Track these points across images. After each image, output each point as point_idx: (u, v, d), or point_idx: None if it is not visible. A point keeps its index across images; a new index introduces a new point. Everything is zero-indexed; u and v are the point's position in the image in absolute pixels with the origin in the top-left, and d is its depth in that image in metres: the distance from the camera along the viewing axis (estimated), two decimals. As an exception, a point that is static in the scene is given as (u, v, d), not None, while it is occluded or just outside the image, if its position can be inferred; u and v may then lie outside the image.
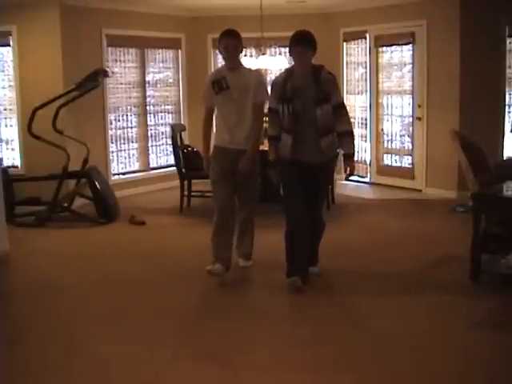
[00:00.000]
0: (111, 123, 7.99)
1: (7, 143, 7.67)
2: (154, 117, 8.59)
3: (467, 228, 4.61)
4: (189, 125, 8.42)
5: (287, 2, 7.88)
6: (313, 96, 4.23)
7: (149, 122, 8.51)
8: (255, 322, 3.94)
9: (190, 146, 7.23)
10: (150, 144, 8.54)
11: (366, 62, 8.36)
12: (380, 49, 8.15)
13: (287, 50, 4.36)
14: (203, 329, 3.85)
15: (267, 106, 4.52)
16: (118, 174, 8.16)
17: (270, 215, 5.72)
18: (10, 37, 7.28)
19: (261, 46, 7.68)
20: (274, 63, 7.76)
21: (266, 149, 4.59)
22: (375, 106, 8.33)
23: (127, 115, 8.23)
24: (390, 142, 8.33)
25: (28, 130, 6.48)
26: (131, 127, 8.31)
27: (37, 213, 6.59)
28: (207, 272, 4.52)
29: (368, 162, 8.51)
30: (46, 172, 6.66)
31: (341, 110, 4.32)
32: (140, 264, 5.18)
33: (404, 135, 8.15)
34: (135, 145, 8.40)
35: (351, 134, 4.39)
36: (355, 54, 8.56)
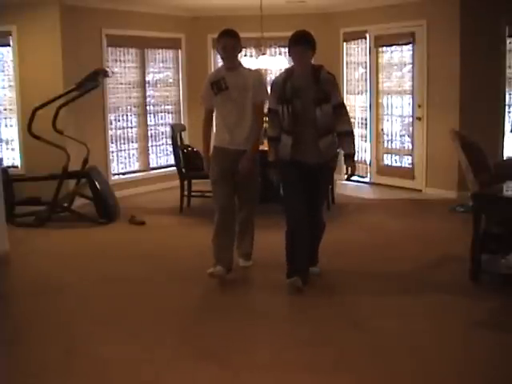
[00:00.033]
0: (111, 123, 7.99)
1: (7, 143, 7.67)
2: (154, 117, 8.60)
3: (467, 228, 4.61)
4: (189, 125, 8.42)
5: (287, 1, 7.88)
6: (313, 96, 4.23)
7: (149, 122, 8.51)
8: (255, 322, 3.94)
9: (190, 146, 7.23)
10: (150, 144, 8.55)
11: (366, 62, 8.36)
12: (380, 49, 8.15)
13: (287, 50, 4.36)
14: (203, 329, 3.85)
15: (267, 107, 4.52)
16: (118, 174, 8.16)
17: (270, 215, 5.72)
18: (10, 37, 7.28)
19: (261, 45, 7.69)
20: (273, 63, 7.77)
21: (266, 149, 4.58)
22: (375, 106, 8.33)
23: (127, 115, 8.23)
24: (389, 142, 8.33)
25: (28, 130, 6.48)
26: (131, 127, 8.31)
27: (37, 213, 6.59)
28: (209, 274, 4.52)
29: (368, 162, 8.51)
30: (46, 172, 6.66)
31: (341, 110, 4.32)
32: (140, 264, 5.18)
33: (404, 135, 8.15)
34: (135, 145, 8.40)
35: (351, 134, 4.39)
36: (355, 54, 8.56)
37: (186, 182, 7.04)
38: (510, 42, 7.28)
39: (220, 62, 4.73)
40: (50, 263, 5.26)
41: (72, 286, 4.66)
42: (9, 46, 7.34)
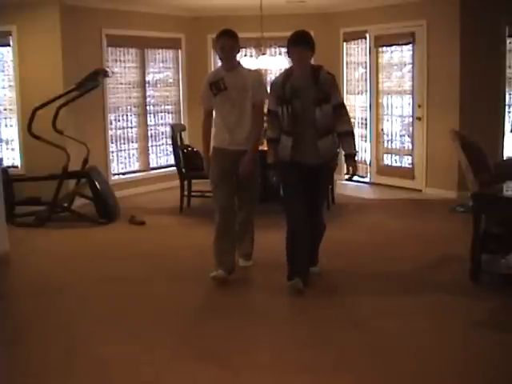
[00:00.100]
0: (111, 123, 7.99)
1: (7, 143, 7.67)
2: (154, 117, 8.60)
3: (467, 228, 4.61)
4: (189, 125, 8.42)
5: (287, 1, 7.89)
6: (312, 96, 4.22)
7: (149, 122, 8.51)
8: (255, 323, 3.94)
9: (190, 146, 7.23)
10: (150, 144, 8.55)
11: (366, 62, 8.36)
12: (380, 49, 8.15)
13: (286, 50, 4.35)
14: (203, 329, 3.85)
15: (267, 107, 4.51)
16: (118, 174, 8.16)
17: (270, 215, 5.72)
18: (10, 37, 7.29)
19: (261, 45, 7.69)
20: (273, 63, 7.77)
21: (266, 149, 4.57)
22: (375, 106, 8.33)
23: (127, 115, 8.23)
24: (390, 142, 8.33)
25: (28, 130, 6.48)
26: (131, 127, 8.31)
27: (37, 213, 6.59)
28: (211, 278, 4.52)
29: (368, 162, 8.52)
30: (46, 172, 6.66)
31: (341, 110, 4.31)
32: (140, 264, 5.18)
33: (404, 135, 8.15)
34: (135, 145, 8.40)
35: (352, 134, 4.38)
36: (355, 54, 8.56)
37: (185, 182, 7.04)
38: (510, 42, 7.28)
39: (220, 63, 4.72)
40: (50, 263, 5.26)
41: (72, 285, 4.66)
42: (9, 46, 7.34)
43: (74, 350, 3.54)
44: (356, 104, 8.62)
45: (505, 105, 7.43)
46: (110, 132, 7.98)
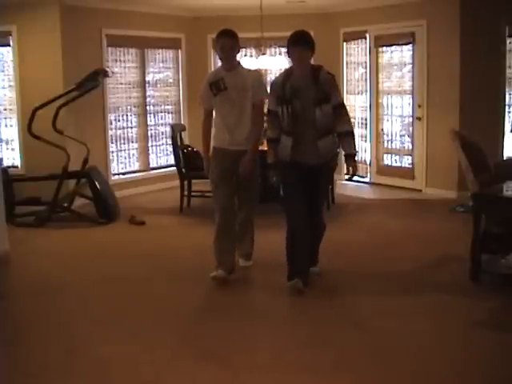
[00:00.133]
0: (111, 123, 7.99)
1: (7, 143, 7.67)
2: (154, 117, 8.60)
3: (467, 228, 4.61)
4: (189, 125, 8.42)
5: (287, 1, 7.89)
6: (312, 97, 4.22)
7: (149, 122, 8.51)
8: (255, 323, 3.94)
9: (190, 146, 7.23)
10: (150, 144, 8.55)
11: (366, 62, 8.36)
12: (380, 49, 8.15)
13: (286, 50, 4.35)
14: (203, 329, 3.85)
15: (267, 107, 4.51)
16: (118, 174, 8.16)
17: (270, 215, 5.72)
18: (10, 37, 7.29)
19: (261, 45, 7.69)
20: (273, 63, 7.77)
21: (266, 149, 4.57)
22: (375, 106, 8.33)
23: (127, 115, 8.23)
24: (390, 142, 8.33)
25: (28, 130, 6.48)
26: (131, 127, 8.31)
27: (37, 213, 6.59)
28: (211, 278, 4.52)
29: (368, 162, 8.52)
30: (46, 172, 6.66)
31: (341, 110, 4.31)
32: (140, 264, 5.18)
33: (404, 135, 8.15)
34: (135, 145, 8.40)
35: (352, 134, 4.38)
36: (355, 54, 8.56)
37: (186, 182, 7.04)
38: (510, 42, 7.28)
39: (220, 63, 4.72)
40: (50, 263, 5.26)
41: (72, 285, 4.66)
42: (9, 46, 7.34)
43: (74, 350, 3.54)
44: (356, 104, 8.62)
45: (505, 105, 7.43)
46: (110, 132, 7.98)
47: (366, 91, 8.42)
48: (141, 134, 8.42)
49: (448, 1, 7.21)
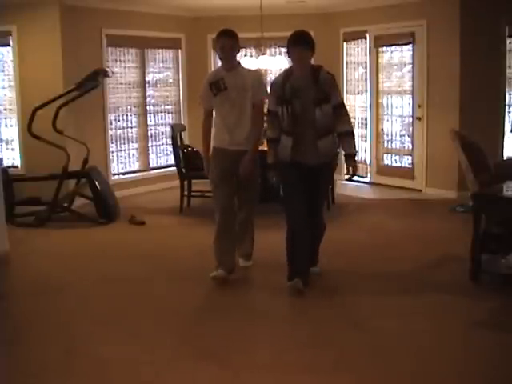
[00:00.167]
0: (111, 123, 7.99)
1: (7, 143, 7.67)
2: (154, 117, 8.60)
3: (467, 228, 4.61)
4: (189, 125, 8.42)
5: (287, 1, 7.89)
6: (312, 97, 4.22)
7: (149, 122, 8.51)
8: (255, 323, 3.94)
9: (190, 146, 7.23)
10: (150, 144, 8.55)
11: (366, 62, 8.36)
12: (380, 49, 8.15)
13: (286, 50, 4.35)
14: (203, 329, 3.85)
15: (267, 107, 4.51)
16: (118, 174, 8.16)
17: (270, 215, 5.72)
18: (10, 37, 7.29)
19: (261, 45, 7.69)
20: (273, 63, 7.77)
21: (266, 149, 4.57)
22: (375, 106, 8.33)
23: (127, 115, 8.23)
24: (390, 142, 8.33)
25: (28, 130, 6.48)
26: (131, 127, 8.31)
27: (37, 213, 6.59)
28: (212, 278, 4.52)
29: (368, 162, 8.52)
30: (46, 172, 6.66)
31: (341, 110, 4.30)
32: (140, 264, 5.18)
33: (404, 135, 8.16)
34: (135, 145, 8.40)
35: (352, 134, 4.37)
36: (355, 54, 8.56)
37: (186, 182, 7.04)
38: (510, 42, 7.28)
39: (220, 63, 4.72)
40: (50, 263, 5.26)
41: (72, 285, 4.66)
42: (9, 46, 7.34)
43: (74, 350, 3.54)
44: (356, 104, 8.62)
45: (505, 105, 7.44)
46: (110, 132, 7.98)
47: (366, 91, 8.42)
48: (141, 134, 8.42)
49: (448, 1, 7.21)
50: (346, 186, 8.00)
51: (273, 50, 8.56)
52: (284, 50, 8.31)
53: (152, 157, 8.60)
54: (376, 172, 8.42)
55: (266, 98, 4.57)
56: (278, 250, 4.58)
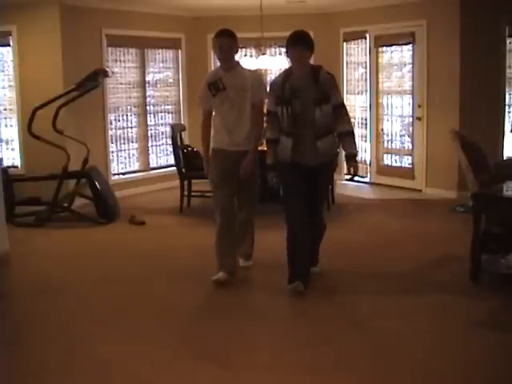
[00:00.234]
0: (111, 123, 7.99)
1: (7, 143, 7.67)
2: (154, 117, 8.60)
3: (467, 228, 4.61)
4: (189, 125, 8.42)
5: (287, 1, 7.89)
6: (312, 97, 4.21)
7: (149, 122, 8.51)
8: (255, 323, 3.94)
9: (190, 146, 7.23)
10: (150, 144, 8.55)
11: (366, 62, 8.36)
12: (380, 49, 8.16)
13: (285, 50, 4.34)
14: (203, 329, 3.85)
15: (266, 108, 4.50)
16: (118, 174, 8.16)
17: (270, 215, 5.71)
18: (10, 37, 7.29)
19: (261, 45, 7.69)
20: (273, 63, 7.77)
21: (265, 149, 4.56)
22: (375, 106, 8.33)
23: (127, 115, 8.23)
24: (390, 142, 8.33)
25: (28, 130, 6.48)
26: (131, 127, 8.31)
27: (37, 213, 6.59)
28: (213, 282, 4.51)
29: (368, 162, 8.52)
30: (46, 172, 6.66)
31: (341, 110, 4.29)
32: (140, 264, 5.18)
33: (404, 135, 8.15)
34: (135, 145, 8.40)
35: (352, 134, 4.36)
36: (355, 54, 8.56)
37: (186, 182, 7.04)
38: (510, 42, 7.28)
39: (219, 63, 4.71)
40: (50, 263, 5.26)
41: (72, 285, 4.66)
42: (9, 46, 7.34)
43: (74, 350, 3.54)
44: (356, 104, 8.62)
45: (505, 105, 7.44)
46: (110, 132, 7.98)
47: (366, 91, 8.42)
48: (141, 134, 8.42)
49: (448, 1, 7.21)
50: (346, 186, 8.00)
51: (273, 50, 8.56)
52: (284, 49, 8.34)
53: (152, 157, 8.60)
54: (376, 172, 8.42)
55: (265, 98, 4.56)
56: (278, 250, 4.58)
